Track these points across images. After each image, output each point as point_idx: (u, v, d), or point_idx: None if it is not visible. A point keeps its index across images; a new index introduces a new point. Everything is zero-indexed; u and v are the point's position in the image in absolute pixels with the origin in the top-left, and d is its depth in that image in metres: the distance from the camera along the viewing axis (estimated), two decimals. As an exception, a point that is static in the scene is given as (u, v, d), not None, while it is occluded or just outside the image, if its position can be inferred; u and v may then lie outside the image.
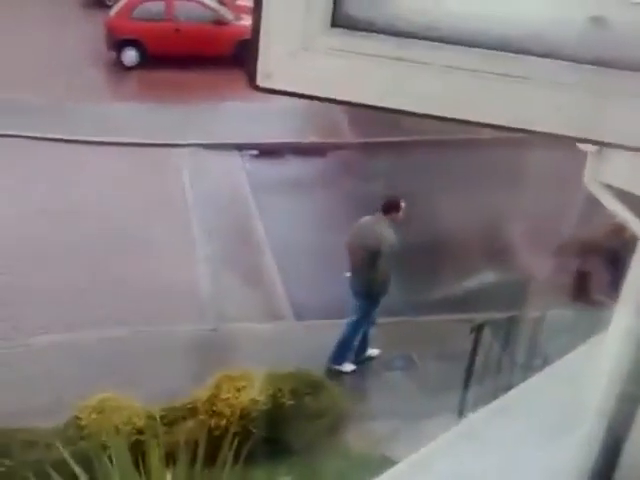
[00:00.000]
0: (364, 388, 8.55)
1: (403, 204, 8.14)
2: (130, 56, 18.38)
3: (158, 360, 8.29)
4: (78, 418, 6.40)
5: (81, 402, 6.38)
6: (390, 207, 8.09)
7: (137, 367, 8.14)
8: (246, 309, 9.44)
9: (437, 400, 7.12)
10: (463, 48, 0.90)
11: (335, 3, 0.91)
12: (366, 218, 8.28)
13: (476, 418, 3.31)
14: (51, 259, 10.39)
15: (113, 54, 18.60)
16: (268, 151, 14.35)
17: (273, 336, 8.92)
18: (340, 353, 8.36)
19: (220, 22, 18.61)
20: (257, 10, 0.92)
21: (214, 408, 6.73)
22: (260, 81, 0.97)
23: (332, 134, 15.01)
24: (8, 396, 7.36)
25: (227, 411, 6.66)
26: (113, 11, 19.11)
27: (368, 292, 8.07)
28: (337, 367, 8.34)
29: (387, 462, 5.52)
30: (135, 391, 6.72)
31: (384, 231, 7.93)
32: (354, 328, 8.29)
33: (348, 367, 8.43)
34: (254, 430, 6.55)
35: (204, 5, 18.77)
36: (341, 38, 0.92)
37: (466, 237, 10.20)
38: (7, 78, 17.68)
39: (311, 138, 14.91)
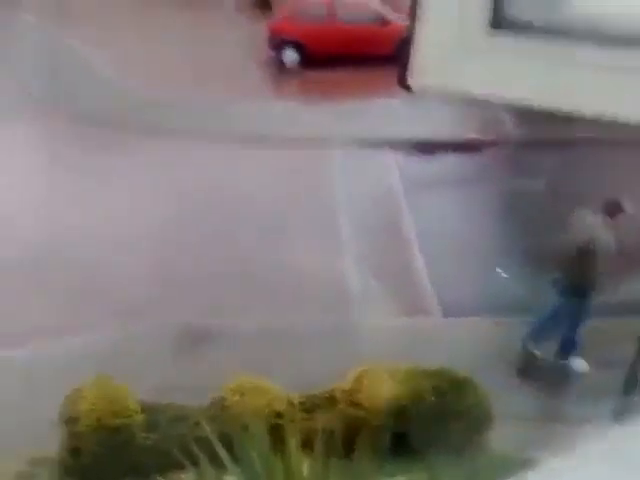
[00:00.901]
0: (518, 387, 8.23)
1: (627, 206, 7.94)
2: (291, 56, 18.86)
3: (301, 349, 8.39)
4: (223, 399, 6.57)
5: (226, 384, 6.54)
6: (611, 208, 7.94)
7: (280, 354, 8.28)
8: (392, 305, 9.36)
9: (594, 406, 6.74)
10: (629, 48, 0.87)
11: (494, 3, 0.91)
12: (582, 214, 8.12)
13: (632, 430, 3.03)
14: (206, 250, 10.82)
15: (274, 55, 19.14)
16: (423, 148, 14.22)
17: (419, 332, 8.79)
18: (566, 350, 8.33)
19: (383, 22, 18.66)
20: (413, 9, 0.94)
21: (354, 399, 6.68)
22: (412, 81, 0.96)
23: (493, 131, 14.62)
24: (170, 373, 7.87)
25: (367, 403, 6.59)
26: (276, 13, 19.69)
27: (575, 290, 8.00)
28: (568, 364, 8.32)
29: (529, 465, 5.24)
30: (276, 378, 6.81)
31: (600, 230, 7.81)
32: (569, 328, 8.24)
33: (579, 365, 8.34)
34: (393, 424, 6.45)
35: (367, 6, 18.91)
36: (499, 39, 0.92)
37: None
38: (171, 77, 18.69)
39: (469, 135, 14.61)
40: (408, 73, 0.97)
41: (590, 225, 7.89)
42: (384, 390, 6.85)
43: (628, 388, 6.96)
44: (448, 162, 13.93)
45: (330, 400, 6.70)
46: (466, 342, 8.37)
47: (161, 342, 8.75)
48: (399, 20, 18.46)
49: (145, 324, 9.05)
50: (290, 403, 6.39)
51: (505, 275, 9.89)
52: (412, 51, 0.95)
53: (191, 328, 9.00)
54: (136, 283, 9.95)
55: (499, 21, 0.91)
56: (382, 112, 15.61)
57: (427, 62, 0.94)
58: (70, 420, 6.34)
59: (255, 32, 20.58)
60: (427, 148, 14.17)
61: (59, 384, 6.82)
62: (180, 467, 5.12)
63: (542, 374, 8.42)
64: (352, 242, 10.93)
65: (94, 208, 12.18)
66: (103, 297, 9.64)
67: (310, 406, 6.57)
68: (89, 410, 6.31)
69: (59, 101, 17.19)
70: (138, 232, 11.38)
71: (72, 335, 8.81)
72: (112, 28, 23.24)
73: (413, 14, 0.93)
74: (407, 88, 0.96)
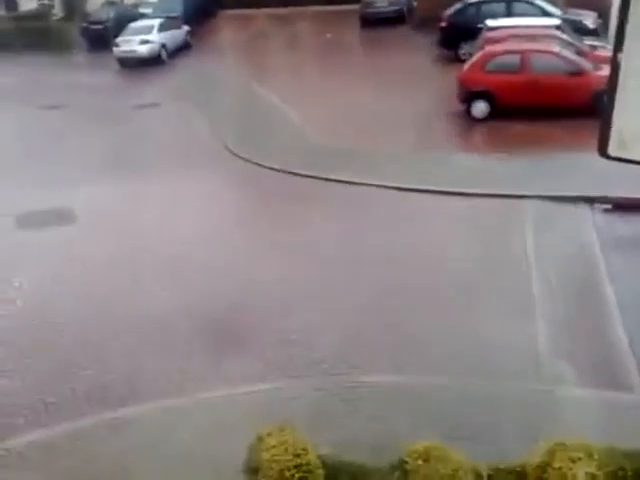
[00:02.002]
0: None
1: None
2: (480, 108, 18.62)
3: (484, 414, 7.98)
4: (405, 462, 6.32)
5: (410, 446, 6.29)
6: None
7: (461, 419, 7.91)
8: (587, 374, 8.67)
9: None
10: None
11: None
12: None
13: None
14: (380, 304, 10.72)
15: (463, 106, 18.98)
16: (623, 206, 13.33)
17: (618, 407, 8.07)
18: None
19: (577, 73, 18.00)
20: (612, 79, 0.84)
21: (545, 476, 6.19)
22: (612, 150, 0.85)
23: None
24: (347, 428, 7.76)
25: (560, 482, 6.07)
26: (466, 65, 19.58)
27: None
28: None
29: None
30: (457, 443, 6.48)
31: None
32: None
33: None
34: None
35: (561, 56, 18.33)
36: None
37: None
38: (361, 127, 19.04)
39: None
40: (609, 143, 0.84)
41: None
42: (577, 469, 6.30)
43: None
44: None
45: (519, 475, 6.25)
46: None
47: (340, 397, 8.67)
48: (594, 70, 17.79)
49: (326, 379, 9.05)
50: (478, 475, 6.03)
51: None
52: (613, 120, 0.83)
53: (370, 384, 8.86)
54: (322, 334, 10.03)
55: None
56: (579, 166, 14.90)
57: (629, 134, 0.83)
58: (250, 470, 6.36)
59: (445, 83, 20.61)
60: (627, 206, 13.27)
61: (239, 433, 6.92)
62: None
63: None
64: (544, 304, 10.34)
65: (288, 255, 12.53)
66: (293, 347, 9.77)
67: (499, 480, 6.16)
68: (271, 460, 6.29)
69: (251, 152, 18.03)
70: (327, 278, 11.54)
71: (255, 383, 8.98)
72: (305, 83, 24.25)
73: (612, 84, 0.85)
74: (608, 157, 0.89)
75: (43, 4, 41.15)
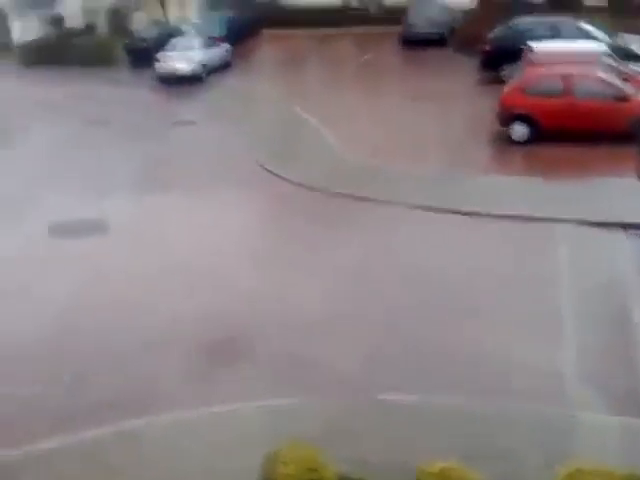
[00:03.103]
0: None
1: None
2: (520, 131, 18.34)
3: (503, 436, 7.72)
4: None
5: (425, 466, 6.08)
6: None
7: (480, 439, 7.64)
8: (614, 401, 8.33)
9: None
10: None
11: None
12: None
13: None
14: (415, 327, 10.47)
15: (503, 128, 18.71)
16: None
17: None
18: None
19: (621, 98, 17.65)
20: None
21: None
22: None
23: None
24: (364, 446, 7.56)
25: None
26: (507, 87, 19.31)
27: None
28: None
29: None
30: (474, 463, 6.23)
31: None
32: None
33: None
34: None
35: (604, 81, 17.99)
36: None
37: None
38: (398, 147, 18.89)
39: None
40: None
41: None
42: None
43: None
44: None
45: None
46: None
47: (358, 414, 8.45)
48: (638, 96, 17.46)
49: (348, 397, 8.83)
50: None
51: None
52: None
53: (389, 402, 8.62)
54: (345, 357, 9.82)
55: None
56: (617, 191, 14.58)
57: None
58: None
59: (486, 105, 20.35)
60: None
61: (256, 447, 6.76)
62: None
63: None
64: (575, 328, 10.02)
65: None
66: (315, 364, 9.55)
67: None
68: (287, 475, 6.16)
69: (286, 170, 17.96)
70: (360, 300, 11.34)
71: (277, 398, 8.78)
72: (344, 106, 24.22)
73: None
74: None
75: (89, 21, 41.96)
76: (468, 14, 33.17)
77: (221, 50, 31.43)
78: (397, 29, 32.38)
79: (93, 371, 9.78)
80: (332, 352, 9.80)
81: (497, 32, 25.37)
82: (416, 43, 31.14)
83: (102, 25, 41.03)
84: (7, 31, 42.84)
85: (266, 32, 36.33)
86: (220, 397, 8.95)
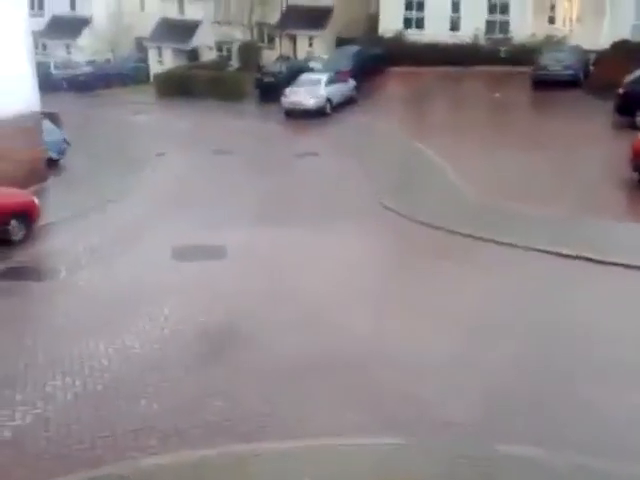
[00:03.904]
0: None
1: None
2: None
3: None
4: None
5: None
6: None
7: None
8: None
9: None
10: None
11: None
12: None
13: None
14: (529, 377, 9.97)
15: (636, 175, 17.86)
16: None
17: None
18: None
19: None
20: None
21: None
22: None
23: None
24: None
25: None
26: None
27: None
28: None
29: None
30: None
31: None
32: None
33: None
34: None
35: None
36: None
37: None
38: (523, 188, 18.33)
39: None
40: None
41: None
42: None
43: None
44: None
45: None
46: None
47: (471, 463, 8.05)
48: None
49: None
50: None
51: None
52: None
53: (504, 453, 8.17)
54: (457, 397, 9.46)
55: None
56: None
57: None
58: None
59: (619, 150, 19.50)
60: None
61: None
62: None
63: None
64: None
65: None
66: (428, 406, 9.27)
67: None
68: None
69: (405, 206, 17.81)
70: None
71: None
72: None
73: None
74: None
75: (221, 56, 43.67)
76: (602, 56, 32.11)
77: (347, 86, 31.80)
78: (526, 69, 31.73)
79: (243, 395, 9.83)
80: (447, 396, 9.44)
81: (634, 76, 24.38)
82: (547, 84, 30.36)
83: (234, 60, 42.54)
84: (146, 65, 45.27)
85: (392, 69, 36.49)
86: (335, 431, 8.77)
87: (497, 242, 14.96)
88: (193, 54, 44.80)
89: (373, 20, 39.77)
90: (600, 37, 33.59)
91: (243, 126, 29.47)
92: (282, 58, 38.66)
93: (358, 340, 11.07)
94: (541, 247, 14.45)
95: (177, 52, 44.90)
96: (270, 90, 33.31)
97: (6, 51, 19.58)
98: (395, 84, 35.26)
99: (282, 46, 40.06)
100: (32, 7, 39.39)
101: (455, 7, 37.42)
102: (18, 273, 14.80)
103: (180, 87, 37.66)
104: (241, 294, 13.00)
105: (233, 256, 15.15)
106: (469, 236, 15.45)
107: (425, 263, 14.39)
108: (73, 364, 10.68)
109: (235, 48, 42.60)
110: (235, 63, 42.37)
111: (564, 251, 14.16)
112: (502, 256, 14.41)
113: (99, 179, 22.49)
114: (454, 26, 37.42)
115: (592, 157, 20.70)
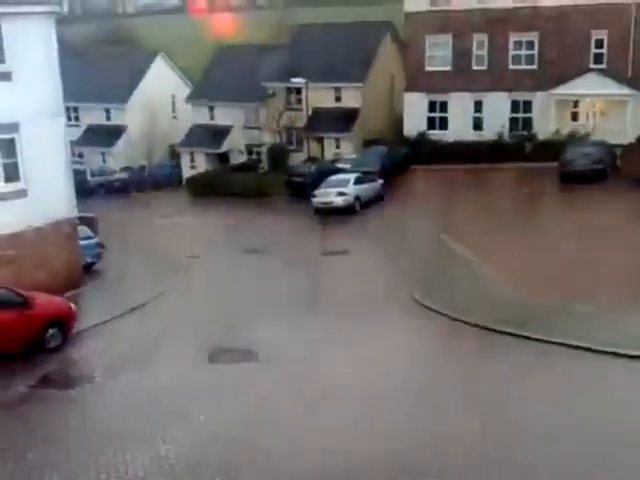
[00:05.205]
0: None
1: None
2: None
3: None
4: None
5: None
6: None
7: None
8: None
9: None
10: None
11: None
12: None
13: None
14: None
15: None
16: None
17: None
18: None
19: None
20: None
21: None
22: None
23: None
24: None
25: None
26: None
27: None
28: None
29: None
30: None
31: None
32: None
33: None
34: None
35: None
36: None
37: None
38: (560, 282, 18.11)
39: None
40: None
41: None
42: None
43: None
44: None
45: None
46: None
47: None
48: None
49: None
50: None
51: None
52: None
53: None
54: None
55: None
56: None
57: None
58: None
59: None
60: None
61: None
62: None
63: None
64: None
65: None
66: None
67: None
68: None
69: (438, 302, 17.70)
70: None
71: None
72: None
73: None
74: None
75: (251, 158, 44.80)
76: (628, 149, 32.41)
77: (374, 184, 32.26)
78: (551, 165, 31.96)
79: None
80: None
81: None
82: (575, 178, 30.45)
83: (264, 162, 43.62)
84: (179, 169, 46.62)
85: (418, 167, 37.03)
86: None
87: (540, 341, 14.36)
88: (224, 157, 45.96)
89: (398, 120, 40.72)
90: (625, 131, 34.00)
91: (274, 224, 29.99)
92: (310, 159, 39.52)
93: (404, 438, 10.82)
94: (580, 344, 13.81)
95: (209, 156, 46.13)
96: (300, 190, 34.01)
97: (45, 161, 20.22)
98: (422, 181, 35.71)
99: (310, 148, 40.98)
100: (69, 119, 41.11)
101: (477, 106, 38.19)
102: (53, 381, 14.77)
103: (212, 189, 38.64)
104: (277, 398, 12.81)
105: (266, 356, 15.00)
106: (503, 332, 15.08)
107: (461, 363, 14.02)
108: (110, 475, 10.48)
109: (264, 151, 43.73)
110: (265, 165, 43.38)
111: (624, 352, 13.29)
112: (538, 353, 13.96)
113: (133, 283, 22.80)
114: (477, 125, 38.11)
115: (629, 250, 20.53)
